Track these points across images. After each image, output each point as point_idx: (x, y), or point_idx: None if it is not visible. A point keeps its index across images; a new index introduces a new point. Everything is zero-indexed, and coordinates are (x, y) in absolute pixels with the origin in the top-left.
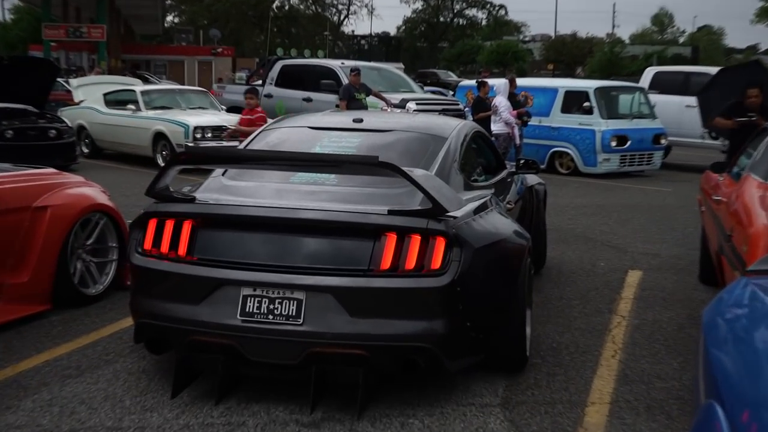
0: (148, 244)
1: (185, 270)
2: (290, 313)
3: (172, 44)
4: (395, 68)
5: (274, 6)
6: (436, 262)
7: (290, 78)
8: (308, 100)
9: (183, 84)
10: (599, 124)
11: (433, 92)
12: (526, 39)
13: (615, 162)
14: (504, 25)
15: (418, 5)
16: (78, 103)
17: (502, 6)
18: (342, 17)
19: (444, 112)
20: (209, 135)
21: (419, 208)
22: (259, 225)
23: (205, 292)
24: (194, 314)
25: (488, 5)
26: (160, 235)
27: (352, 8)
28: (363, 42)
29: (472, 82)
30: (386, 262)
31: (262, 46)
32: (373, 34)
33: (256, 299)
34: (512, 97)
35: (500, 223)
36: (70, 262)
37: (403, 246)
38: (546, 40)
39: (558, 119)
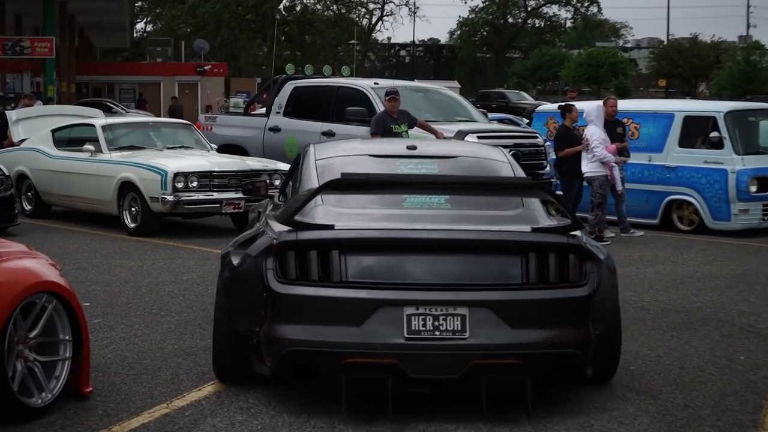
0: (290, 272)
1: (341, 294)
2: (456, 328)
3: (144, 60)
4: (448, 89)
5: (281, 6)
6: (576, 274)
7: (304, 104)
8: (329, 134)
9: (159, 114)
10: (733, 162)
11: (500, 121)
12: (628, 45)
13: (756, 214)
14: (597, 27)
15: (478, 2)
16: (17, 144)
17: (593, 1)
18: (374, 20)
19: (517, 148)
20: (194, 184)
21: (559, 225)
22: (413, 247)
23: (364, 315)
24: (354, 336)
25: (574, 0)
26: (304, 262)
27: (387, 7)
28: (403, 53)
29: (555, 107)
30: (536, 276)
31: (266, 60)
32: (416, 42)
33: (421, 317)
34: (610, 126)
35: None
36: (7, 361)
37: (547, 260)
38: (655, 47)
39: (675, 156)
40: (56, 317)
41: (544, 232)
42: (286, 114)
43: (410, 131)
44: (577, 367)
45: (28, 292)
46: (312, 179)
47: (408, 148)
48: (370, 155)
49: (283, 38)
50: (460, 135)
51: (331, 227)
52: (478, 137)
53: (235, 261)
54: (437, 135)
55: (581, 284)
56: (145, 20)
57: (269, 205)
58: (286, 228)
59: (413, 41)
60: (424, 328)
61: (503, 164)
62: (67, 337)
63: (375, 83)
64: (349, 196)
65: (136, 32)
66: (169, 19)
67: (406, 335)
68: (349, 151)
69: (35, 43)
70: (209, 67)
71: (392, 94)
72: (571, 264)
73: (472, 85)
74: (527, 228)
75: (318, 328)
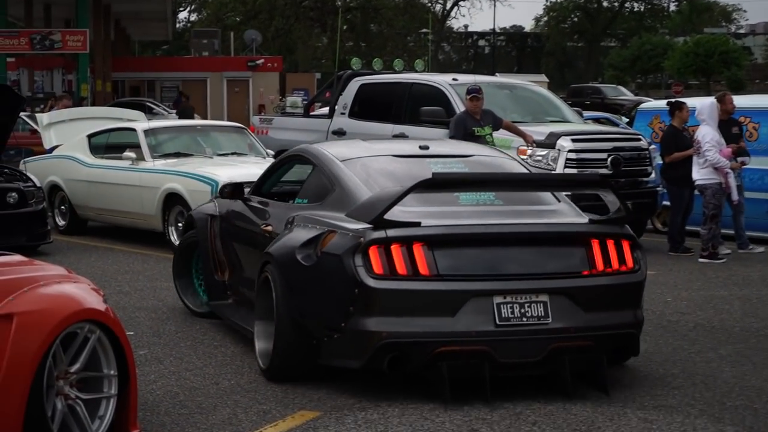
0: (381, 268)
1: (435, 287)
2: (540, 314)
3: (187, 54)
4: (535, 84)
5: None
6: (630, 261)
7: (373, 104)
8: (402, 136)
9: (205, 116)
10: None
11: (597, 121)
12: (742, 31)
13: None
14: (705, 11)
15: None
16: (49, 151)
17: None
18: (448, 6)
19: (616, 152)
20: None
21: (613, 216)
22: (497, 240)
23: (457, 305)
24: (448, 326)
25: None
26: (394, 259)
27: None
28: (482, 43)
29: (661, 104)
30: (600, 264)
31: (325, 53)
32: (497, 30)
33: (509, 305)
34: (725, 126)
35: None
36: (46, 399)
37: (606, 249)
38: None
39: None
40: (100, 349)
41: (601, 223)
42: (352, 115)
43: (493, 134)
44: (634, 346)
45: (68, 322)
46: (352, 180)
47: (421, 148)
48: (394, 155)
49: (345, 27)
50: (552, 138)
51: (417, 224)
52: (573, 140)
53: (308, 262)
54: (526, 138)
55: (636, 270)
56: (188, 9)
57: (244, 206)
58: (366, 226)
59: (493, 29)
60: (512, 316)
61: (512, 161)
62: (112, 372)
63: (453, 79)
64: (410, 195)
65: (179, 23)
66: (216, 7)
67: (497, 323)
68: (372, 151)
69: (67, 36)
70: (262, 61)
71: (474, 93)
72: (626, 252)
73: (562, 78)
74: (585, 220)
75: (412, 319)
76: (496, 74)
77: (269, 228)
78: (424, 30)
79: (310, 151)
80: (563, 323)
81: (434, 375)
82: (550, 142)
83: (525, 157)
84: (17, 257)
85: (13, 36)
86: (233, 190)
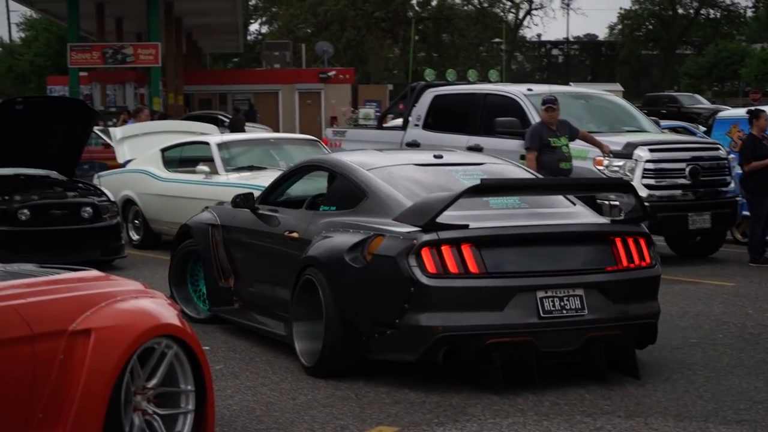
0: (434, 267)
1: (485, 284)
2: (577, 307)
3: (259, 66)
4: (609, 92)
5: (415, 1)
6: (647, 257)
7: (447, 115)
8: (476, 148)
9: (277, 129)
10: None
11: (674, 130)
12: None
13: None
14: None
15: None
16: (123, 165)
17: None
18: (521, 15)
19: (695, 162)
20: None
21: (631, 216)
22: (537, 240)
23: (505, 300)
24: (497, 320)
25: None
26: (443, 259)
27: (536, 0)
28: (555, 52)
29: (740, 113)
30: (624, 260)
31: (398, 64)
32: (571, 38)
33: (550, 299)
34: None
35: None
36: (123, 415)
37: (627, 246)
38: None
39: None
40: (177, 365)
41: (623, 223)
42: (426, 127)
43: (569, 145)
44: (653, 335)
45: (145, 337)
46: (385, 187)
47: (435, 157)
48: (416, 164)
49: (417, 38)
50: (629, 148)
51: (466, 227)
52: (650, 150)
53: (357, 264)
54: (602, 148)
55: (653, 265)
56: (259, 21)
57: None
58: (414, 228)
59: (567, 38)
60: (553, 308)
61: (518, 167)
62: (189, 387)
63: (528, 89)
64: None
65: (250, 35)
66: (288, 19)
67: (541, 315)
68: (393, 160)
69: (139, 50)
70: (334, 72)
71: (550, 103)
72: (645, 248)
73: (637, 87)
74: (606, 220)
75: (464, 314)
76: (570, 83)
77: (295, 234)
78: (497, 39)
79: (331, 161)
80: (596, 315)
81: (486, 365)
82: (627, 152)
83: (602, 167)
84: (94, 272)
85: (85, 50)
86: (246, 199)
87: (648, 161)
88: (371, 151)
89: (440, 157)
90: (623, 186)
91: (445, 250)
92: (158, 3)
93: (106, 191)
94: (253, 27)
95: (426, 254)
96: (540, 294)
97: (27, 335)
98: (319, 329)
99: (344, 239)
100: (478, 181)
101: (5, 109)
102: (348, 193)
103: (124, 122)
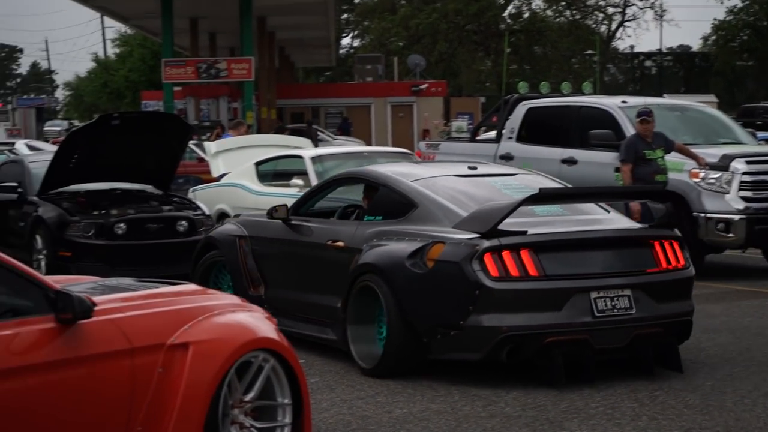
0: (497, 271)
1: (545, 286)
2: (626, 306)
3: (351, 80)
4: (704, 104)
5: (506, 14)
6: (682, 259)
7: (540, 128)
8: (570, 161)
9: (369, 142)
10: None
11: None
12: None
13: None
14: None
15: (737, 2)
16: (217, 179)
17: None
18: (613, 27)
19: None
20: None
21: (662, 222)
22: (588, 244)
23: (563, 301)
24: (556, 319)
25: None
26: (504, 263)
27: (629, 11)
28: (648, 63)
29: None
30: (664, 262)
31: (490, 77)
32: (664, 50)
33: (603, 299)
34: None
35: None
36: (221, 428)
37: (665, 249)
38: None
39: None
40: (274, 378)
41: (659, 228)
42: (520, 139)
43: (666, 157)
44: (689, 331)
45: (243, 351)
46: (436, 197)
47: (470, 168)
48: (455, 175)
49: (509, 50)
50: (726, 160)
51: (524, 233)
52: (747, 162)
53: (419, 269)
54: (698, 161)
55: (687, 267)
56: (352, 34)
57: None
58: (475, 235)
59: (660, 49)
60: (606, 308)
61: (545, 177)
62: (286, 401)
63: (623, 101)
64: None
65: (342, 48)
66: (379, 32)
67: (595, 314)
68: (433, 171)
69: (232, 64)
70: (426, 85)
71: (645, 115)
72: (679, 251)
73: (732, 98)
74: (645, 225)
75: (526, 315)
76: (664, 95)
77: (340, 243)
78: (590, 51)
79: (371, 173)
80: (642, 313)
81: (545, 362)
82: (723, 165)
83: (698, 180)
84: (191, 286)
85: (179, 65)
86: (281, 210)
87: (745, 173)
88: (406, 163)
89: (475, 168)
90: (663, 194)
91: (506, 255)
92: (251, 18)
93: (201, 205)
94: (345, 41)
95: (488, 259)
96: (593, 294)
97: (126, 349)
98: (374, 333)
99: (401, 247)
100: (518, 191)
101: (102, 124)
102: (394, 203)
103: (218, 136)
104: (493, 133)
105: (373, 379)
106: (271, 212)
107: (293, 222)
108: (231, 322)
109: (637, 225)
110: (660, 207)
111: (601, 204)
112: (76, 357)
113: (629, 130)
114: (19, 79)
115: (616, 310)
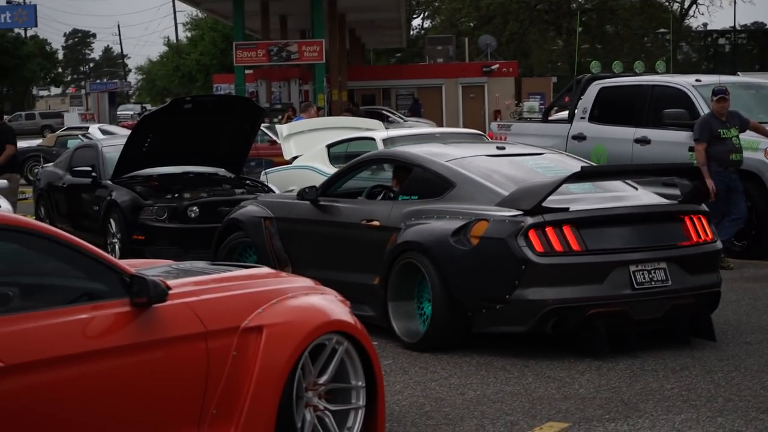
0: (542, 246)
1: (588, 260)
2: (662, 278)
3: (421, 61)
4: None
5: None
6: (710, 233)
7: (613, 108)
8: (644, 141)
9: (441, 123)
10: None
11: None
12: None
13: None
14: None
15: None
16: (290, 161)
17: None
18: (686, 5)
19: None
20: None
21: (689, 198)
22: (626, 219)
23: (605, 274)
24: (599, 292)
25: None
26: (548, 239)
27: None
28: (722, 41)
29: None
30: (694, 236)
31: (561, 56)
32: (738, 27)
33: (641, 272)
34: None
35: None
36: (295, 411)
37: (694, 223)
38: None
39: None
40: (347, 361)
41: (687, 203)
42: (592, 119)
43: (741, 136)
44: (717, 301)
45: (316, 333)
46: (473, 177)
47: (498, 148)
48: (487, 155)
49: (580, 29)
50: None
51: (566, 209)
52: None
53: (463, 246)
54: None
55: (715, 240)
56: (422, 16)
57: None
58: (518, 212)
59: (734, 26)
60: (644, 280)
61: (570, 157)
62: (360, 383)
63: (697, 80)
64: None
65: (413, 29)
66: (450, 12)
67: (635, 287)
68: (465, 152)
69: (303, 47)
70: (497, 66)
71: (721, 94)
72: (707, 226)
73: None
74: (675, 201)
75: (569, 288)
76: (738, 73)
77: (376, 222)
78: (662, 30)
79: (404, 154)
80: (677, 285)
81: (588, 333)
82: None
83: None
84: (264, 269)
85: (251, 48)
86: (311, 191)
87: None
88: (435, 144)
89: (503, 148)
90: (691, 170)
91: (549, 231)
92: (322, 0)
93: (273, 188)
94: (416, 22)
95: (533, 235)
96: (632, 268)
97: (200, 332)
98: (414, 309)
99: (443, 224)
100: (550, 171)
101: (174, 108)
102: (430, 183)
103: (289, 119)
104: (565, 113)
105: (446, 361)
106: (302, 193)
107: (322, 203)
108: (304, 304)
109: (666, 201)
110: (687, 183)
111: (629, 181)
112: (150, 341)
113: (703, 109)
114: (92, 64)
115: (653, 283)
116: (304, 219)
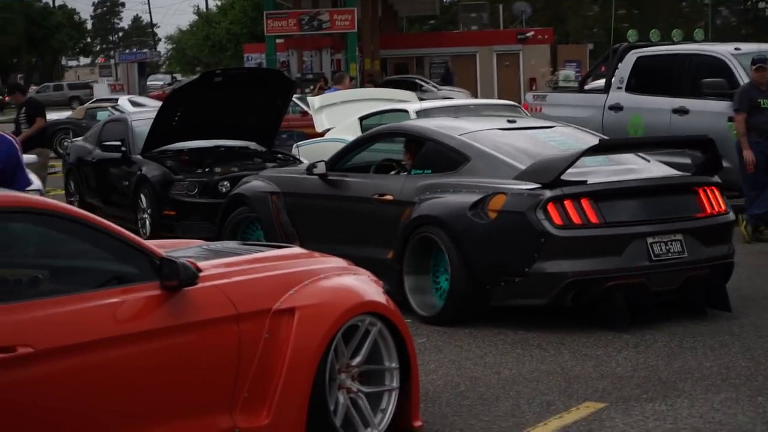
0: (561, 219)
1: (606, 232)
2: (678, 250)
3: (455, 29)
4: None
5: None
6: (723, 205)
7: (651, 77)
8: (682, 111)
9: (476, 93)
10: None
11: None
12: None
13: None
14: None
15: None
16: (322, 134)
17: None
18: None
19: None
20: None
21: (702, 170)
22: (643, 191)
23: (623, 246)
24: (617, 264)
25: None
26: (566, 212)
27: None
28: (762, 5)
29: None
30: (708, 207)
31: (597, 22)
32: None
33: (658, 244)
34: None
35: None
36: (328, 393)
37: (708, 195)
38: None
39: None
40: (381, 342)
41: (701, 175)
42: (629, 89)
43: None
44: (731, 272)
45: (349, 315)
46: (487, 150)
47: (509, 121)
48: (499, 128)
49: None
50: None
51: (584, 182)
52: None
53: (481, 219)
54: None
55: (728, 212)
56: None
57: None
58: (536, 185)
59: None
60: (661, 252)
61: (581, 130)
62: (393, 365)
63: (736, 48)
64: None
65: None
66: None
67: (652, 258)
68: (477, 125)
69: (335, 15)
70: (532, 33)
71: (760, 63)
72: (720, 198)
73: None
74: (687, 173)
75: (588, 260)
76: None
77: (388, 197)
78: None
79: (415, 128)
80: (693, 256)
81: (607, 305)
82: None
83: None
84: (297, 249)
85: (282, 18)
86: (320, 166)
87: None
88: (449, 118)
89: (514, 122)
90: (706, 142)
91: (568, 204)
92: None
93: (305, 161)
94: None
95: (552, 208)
96: (650, 240)
97: (232, 315)
98: (430, 282)
99: (460, 198)
100: (562, 144)
101: (204, 81)
102: (444, 156)
103: (321, 90)
104: (601, 83)
105: (481, 339)
106: (311, 168)
107: (332, 177)
108: (337, 285)
109: (680, 173)
110: (700, 155)
111: (641, 154)
112: (181, 324)
113: (743, 79)
114: (121, 33)
115: (670, 254)
116: (314, 194)
